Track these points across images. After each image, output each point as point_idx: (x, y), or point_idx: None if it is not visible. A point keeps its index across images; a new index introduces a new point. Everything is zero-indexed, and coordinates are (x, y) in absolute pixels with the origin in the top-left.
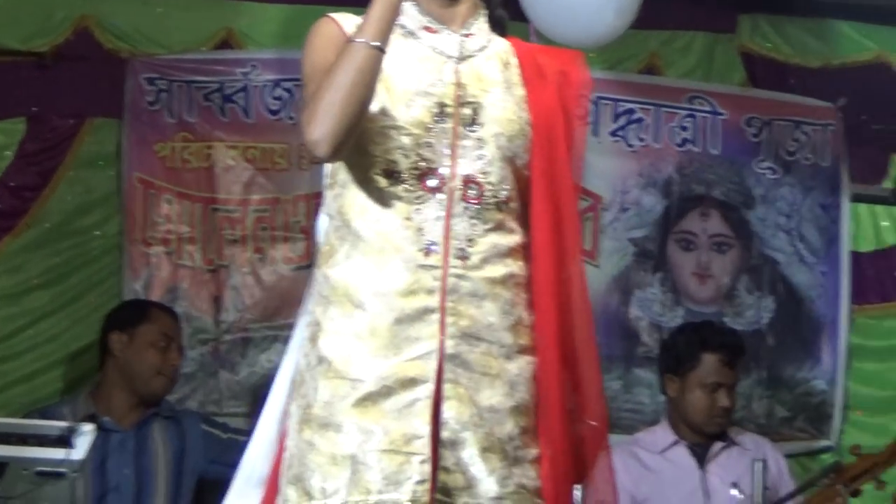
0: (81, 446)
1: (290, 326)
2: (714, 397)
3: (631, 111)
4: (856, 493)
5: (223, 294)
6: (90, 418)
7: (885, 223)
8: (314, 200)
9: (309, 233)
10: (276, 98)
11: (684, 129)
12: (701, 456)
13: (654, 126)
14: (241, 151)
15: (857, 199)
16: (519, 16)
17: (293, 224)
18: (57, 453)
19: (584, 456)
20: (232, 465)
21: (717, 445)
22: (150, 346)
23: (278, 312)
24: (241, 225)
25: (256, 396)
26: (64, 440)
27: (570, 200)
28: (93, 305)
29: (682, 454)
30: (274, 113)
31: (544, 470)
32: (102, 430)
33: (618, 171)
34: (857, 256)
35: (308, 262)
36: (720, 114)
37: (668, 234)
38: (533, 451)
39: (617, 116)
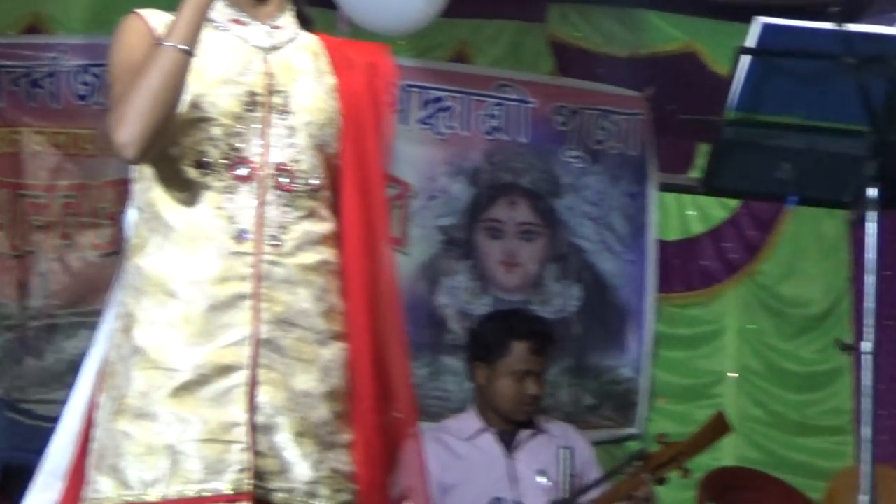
0: None
1: (98, 313)
2: (522, 385)
3: (440, 99)
4: (661, 481)
5: (29, 280)
6: None
7: (691, 212)
8: (122, 187)
9: (116, 219)
10: (84, 83)
11: (493, 117)
12: (508, 443)
13: (462, 114)
14: (48, 137)
15: (664, 188)
16: (328, 3)
17: (101, 210)
18: None
19: (394, 443)
20: (37, 451)
21: (525, 433)
22: None
23: (85, 299)
24: (48, 211)
25: (63, 383)
26: None
27: (379, 189)
28: None
29: (490, 441)
30: (82, 98)
31: (357, 455)
32: None
33: (426, 159)
34: (663, 245)
35: (115, 248)
36: (529, 102)
37: (476, 222)
38: (346, 436)
39: (426, 104)
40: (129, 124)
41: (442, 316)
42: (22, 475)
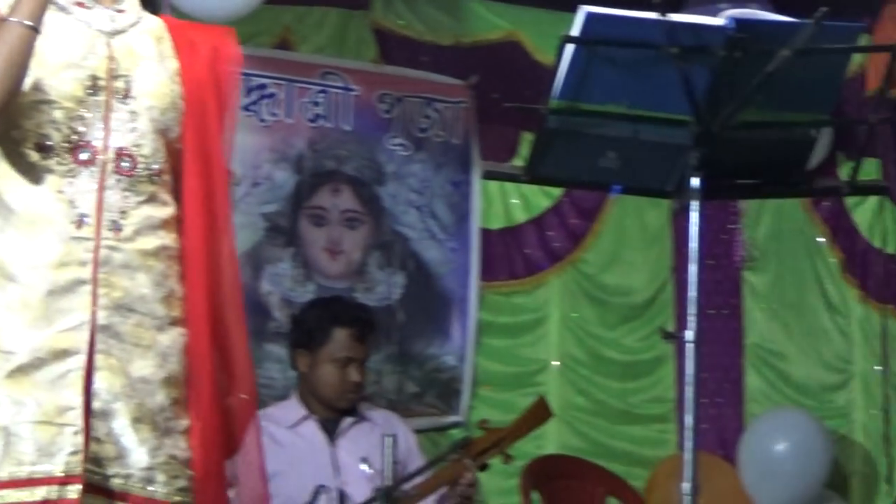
0: None
1: None
2: (345, 372)
3: (263, 86)
4: (484, 467)
5: None
6: None
7: (514, 201)
8: None
9: None
10: None
11: (317, 104)
12: (331, 431)
13: (286, 101)
14: None
15: (487, 176)
16: None
17: None
18: None
19: (234, 429)
20: None
21: (348, 420)
22: None
23: None
24: None
25: None
26: None
27: (221, 174)
28: None
29: (313, 429)
30: None
31: (194, 441)
32: None
33: (250, 146)
34: (486, 233)
35: None
36: (352, 90)
37: (300, 209)
38: (183, 422)
39: (249, 91)
40: None
41: (265, 303)
42: None
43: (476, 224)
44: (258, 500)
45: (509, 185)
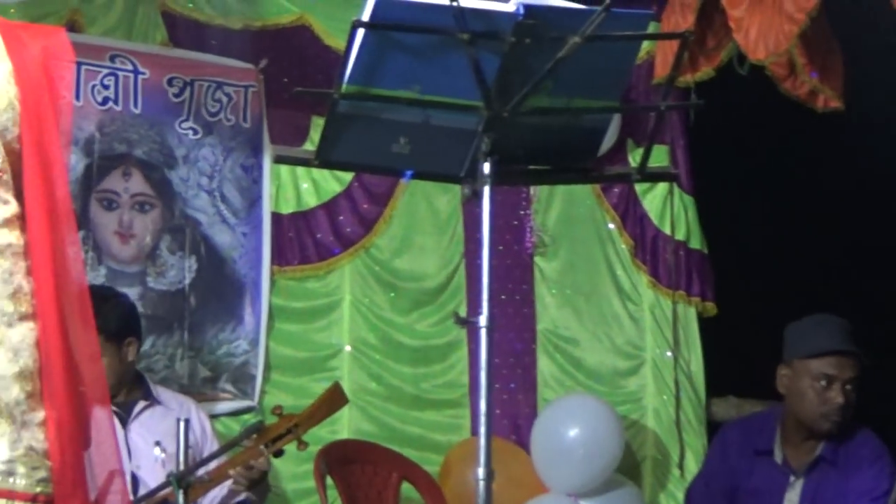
0: None
1: None
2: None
3: None
4: (278, 454)
5: None
6: None
7: (305, 185)
8: None
9: None
10: None
11: (106, 87)
12: (124, 415)
13: (74, 83)
14: None
15: (278, 160)
16: None
17: None
18: None
19: (85, 419)
20: None
21: (140, 405)
22: None
23: None
24: None
25: None
26: None
27: (60, 171)
28: None
29: None
30: None
31: (51, 432)
32: None
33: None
34: (278, 217)
35: None
36: (142, 73)
37: (90, 192)
38: (40, 415)
39: None
40: None
41: None
42: None
43: (267, 208)
44: (112, 478)
45: (300, 170)
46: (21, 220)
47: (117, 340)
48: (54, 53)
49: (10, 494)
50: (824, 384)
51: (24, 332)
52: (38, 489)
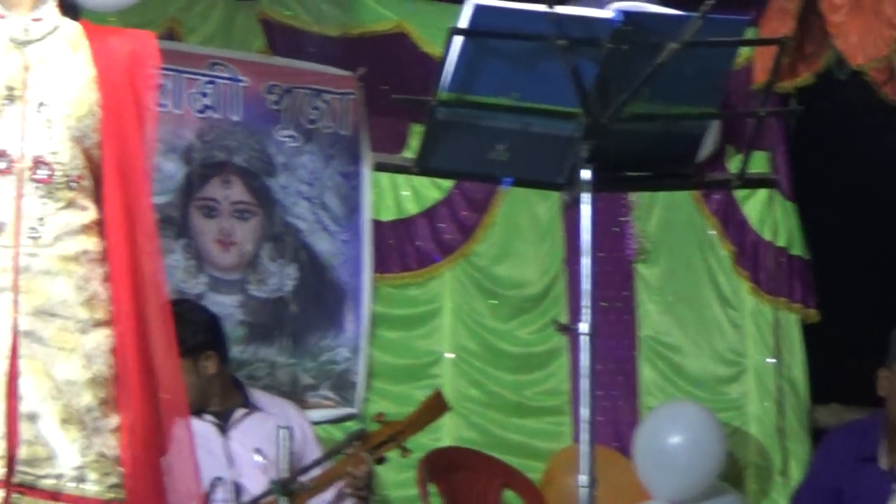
0: None
1: None
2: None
3: None
4: (380, 461)
5: None
6: None
7: (405, 193)
8: None
9: None
10: None
11: (205, 95)
12: (222, 424)
13: (174, 92)
14: None
15: (378, 168)
16: None
17: None
18: None
19: (163, 427)
20: None
21: (240, 412)
22: None
23: None
24: None
25: None
26: None
27: (141, 178)
28: None
29: (203, 423)
30: None
31: (124, 439)
32: None
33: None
34: (378, 225)
35: None
36: (240, 81)
37: (190, 200)
38: (113, 421)
39: None
40: None
41: None
42: None
43: (367, 216)
44: (192, 496)
45: (400, 177)
46: (99, 227)
47: (193, 355)
48: (141, 58)
49: (81, 500)
50: None
51: (99, 339)
52: (110, 495)
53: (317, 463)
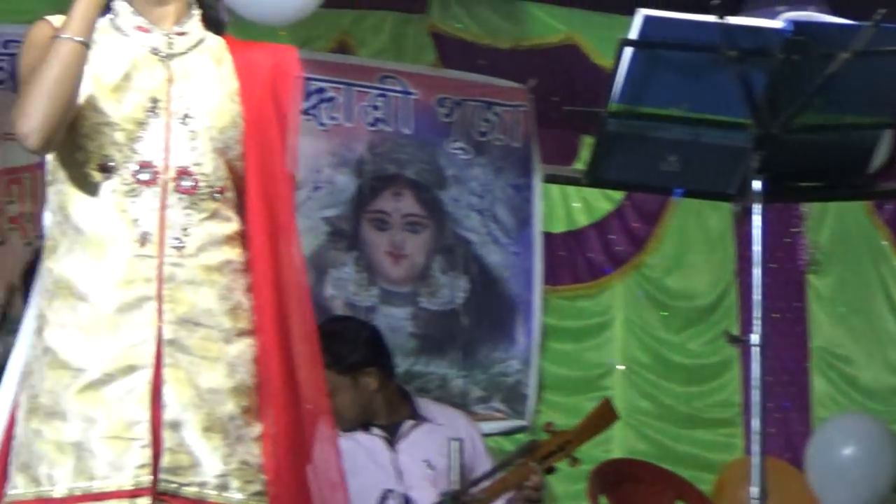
0: None
1: None
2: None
3: (322, 90)
4: (550, 471)
5: None
6: None
7: (576, 204)
8: (10, 178)
9: (2, 209)
10: None
11: (376, 108)
12: (391, 435)
13: (345, 105)
14: None
15: (548, 179)
16: None
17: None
18: None
19: (306, 436)
20: None
21: (408, 424)
22: None
23: None
24: None
25: None
26: None
27: (283, 189)
28: None
29: (371, 436)
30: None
31: (266, 447)
32: None
33: (310, 151)
34: (549, 237)
35: (1, 238)
36: (412, 93)
37: (362, 213)
38: (255, 430)
39: (308, 95)
40: (30, 115)
41: (330, 308)
42: None
43: (538, 228)
44: (335, 499)
45: (571, 189)
46: (242, 238)
47: (352, 372)
48: (284, 71)
49: None
50: None
51: (242, 349)
52: (253, 503)
53: (487, 475)
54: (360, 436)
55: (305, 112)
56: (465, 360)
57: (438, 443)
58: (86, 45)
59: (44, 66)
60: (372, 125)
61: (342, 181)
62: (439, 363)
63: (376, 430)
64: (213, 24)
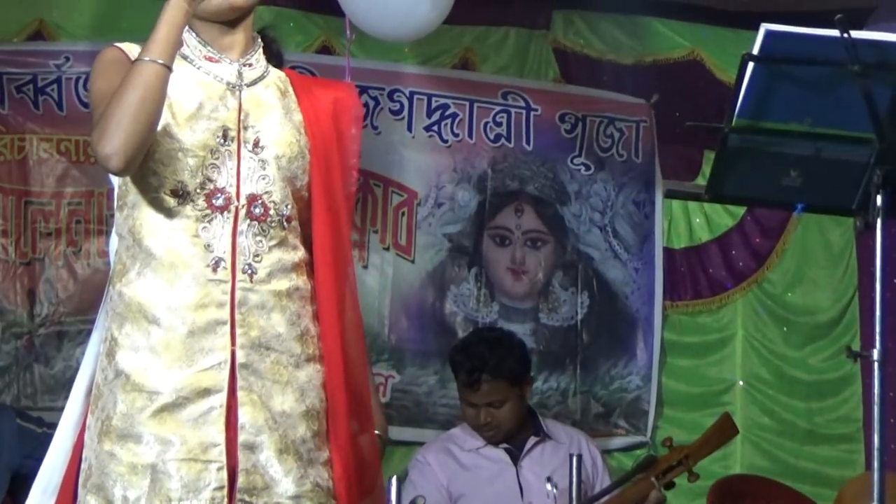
0: None
1: None
2: (475, 416)
3: (445, 106)
4: (669, 486)
5: (37, 287)
6: None
7: (697, 220)
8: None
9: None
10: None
11: (498, 124)
12: (515, 451)
13: (467, 121)
14: (54, 144)
15: (670, 195)
16: (335, 10)
17: (107, 217)
18: None
19: (366, 465)
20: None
21: (531, 441)
22: None
23: (93, 306)
24: (55, 218)
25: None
26: None
27: (345, 218)
28: None
29: (497, 450)
30: (87, 105)
31: (336, 472)
32: None
33: (432, 167)
34: (670, 253)
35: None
36: (534, 109)
37: (483, 229)
38: (325, 454)
39: (431, 112)
40: (111, 137)
41: (450, 324)
42: (30, 483)
43: (659, 243)
44: None
45: (692, 205)
46: (308, 267)
47: (519, 383)
48: (345, 106)
49: None
50: None
51: (311, 373)
52: None
53: (607, 491)
54: (486, 450)
55: (428, 128)
56: (585, 376)
57: (561, 461)
58: (168, 69)
59: (126, 88)
60: (494, 141)
61: (464, 197)
62: (559, 379)
63: (503, 444)
64: (276, 57)
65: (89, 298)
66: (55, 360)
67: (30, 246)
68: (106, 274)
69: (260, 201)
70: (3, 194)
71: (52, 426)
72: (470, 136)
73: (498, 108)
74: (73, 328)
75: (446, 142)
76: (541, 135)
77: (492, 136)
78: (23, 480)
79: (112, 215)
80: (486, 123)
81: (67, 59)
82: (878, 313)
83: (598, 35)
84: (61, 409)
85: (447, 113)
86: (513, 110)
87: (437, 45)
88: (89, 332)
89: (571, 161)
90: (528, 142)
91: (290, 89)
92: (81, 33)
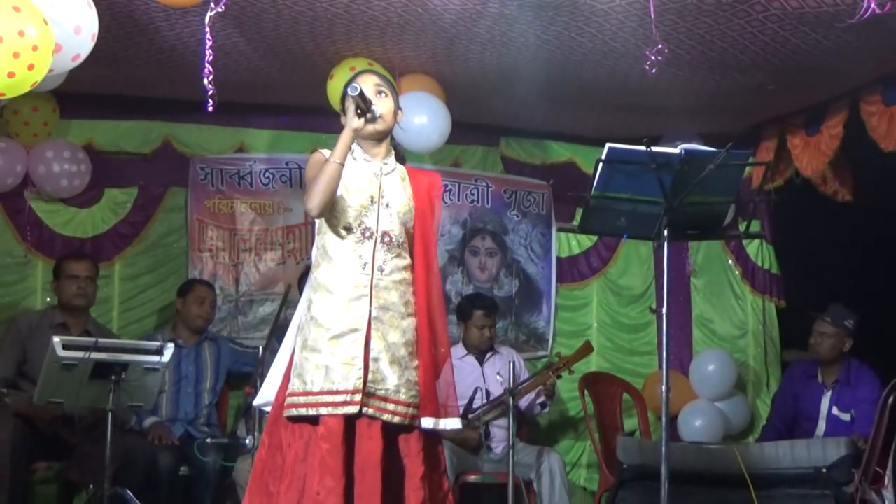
0: (167, 355)
1: (276, 294)
2: (482, 332)
3: (446, 185)
4: (559, 377)
5: (239, 277)
6: (171, 340)
7: (573, 242)
8: (288, 230)
9: (284, 246)
10: (266, 178)
11: (473, 194)
12: (481, 359)
13: (457, 193)
14: (248, 204)
15: (559, 229)
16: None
17: (275, 242)
18: (154, 358)
19: (438, 366)
20: (245, 364)
21: (489, 354)
22: (194, 303)
23: (267, 286)
24: (249, 242)
25: (258, 329)
26: (158, 351)
27: (432, 243)
28: (171, 283)
29: (471, 359)
30: (265, 184)
31: (420, 373)
32: (177, 347)
33: (442, 216)
34: (560, 259)
35: (283, 261)
36: (491, 187)
37: (465, 247)
38: (415, 363)
39: (444, 188)
40: (314, 200)
41: (447, 294)
42: (239, 378)
43: (554, 254)
44: (449, 395)
45: (571, 235)
46: (411, 268)
47: (491, 317)
48: (434, 186)
49: (397, 402)
50: None
51: (410, 322)
52: (412, 400)
53: (526, 380)
54: (467, 358)
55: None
56: (517, 321)
57: (504, 364)
58: (342, 165)
59: (322, 175)
60: (471, 202)
61: (456, 231)
62: (504, 322)
63: (475, 354)
64: (399, 158)
65: (265, 283)
66: (248, 314)
67: (235, 256)
68: (273, 271)
69: (388, 234)
70: (223, 230)
71: (249, 347)
72: (458, 200)
73: (472, 186)
74: (257, 298)
75: (447, 203)
76: (494, 200)
77: (469, 201)
78: (232, 376)
79: (278, 241)
80: (466, 194)
81: (254, 161)
82: (665, 288)
83: (523, 148)
84: (253, 338)
85: (448, 188)
86: (480, 188)
87: (441, 153)
88: (264, 300)
89: (509, 213)
90: (487, 203)
91: (407, 177)
92: (262, 148)
